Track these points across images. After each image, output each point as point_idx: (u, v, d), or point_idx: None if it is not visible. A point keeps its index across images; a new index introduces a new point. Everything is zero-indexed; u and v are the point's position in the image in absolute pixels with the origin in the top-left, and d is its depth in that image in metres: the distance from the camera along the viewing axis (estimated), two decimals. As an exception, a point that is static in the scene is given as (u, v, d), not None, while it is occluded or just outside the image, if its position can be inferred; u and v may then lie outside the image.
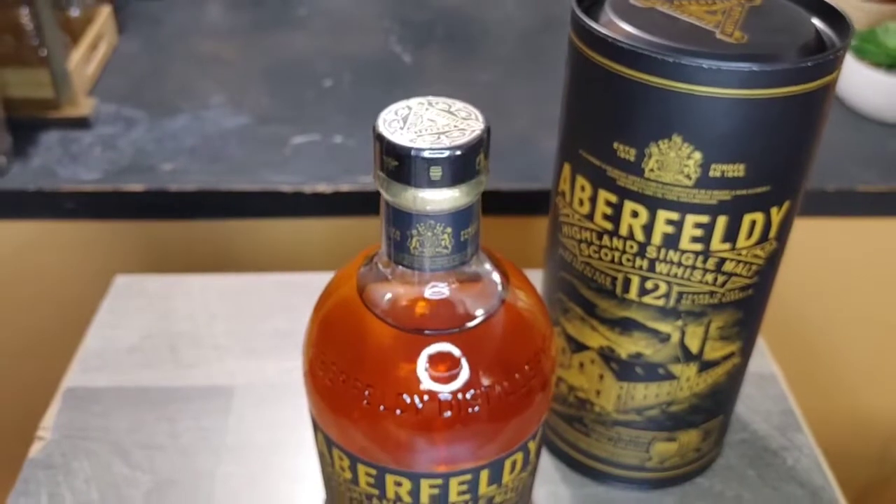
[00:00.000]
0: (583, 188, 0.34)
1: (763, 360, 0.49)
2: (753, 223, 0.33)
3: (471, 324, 0.29)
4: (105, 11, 0.95)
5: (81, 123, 0.82)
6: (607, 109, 0.32)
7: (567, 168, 0.35)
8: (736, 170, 0.31)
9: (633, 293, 0.35)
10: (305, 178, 0.76)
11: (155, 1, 1.08)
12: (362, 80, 0.92)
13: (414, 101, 0.27)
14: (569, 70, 0.34)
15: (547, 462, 0.43)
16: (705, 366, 0.37)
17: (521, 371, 0.30)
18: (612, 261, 0.35)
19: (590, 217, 0.35)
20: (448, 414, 0.28)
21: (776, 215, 0.33)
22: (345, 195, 0.75)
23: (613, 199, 0.33)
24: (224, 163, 0.78)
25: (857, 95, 0.90)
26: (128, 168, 0.77)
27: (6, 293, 0.80)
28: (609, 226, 0.34)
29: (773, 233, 0.34)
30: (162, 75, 0.92)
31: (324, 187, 0.75)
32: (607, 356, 0.37)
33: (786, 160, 0.32)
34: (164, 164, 0.78)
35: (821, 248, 0.84)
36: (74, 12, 0.90)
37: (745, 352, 0.38)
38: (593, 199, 0.34)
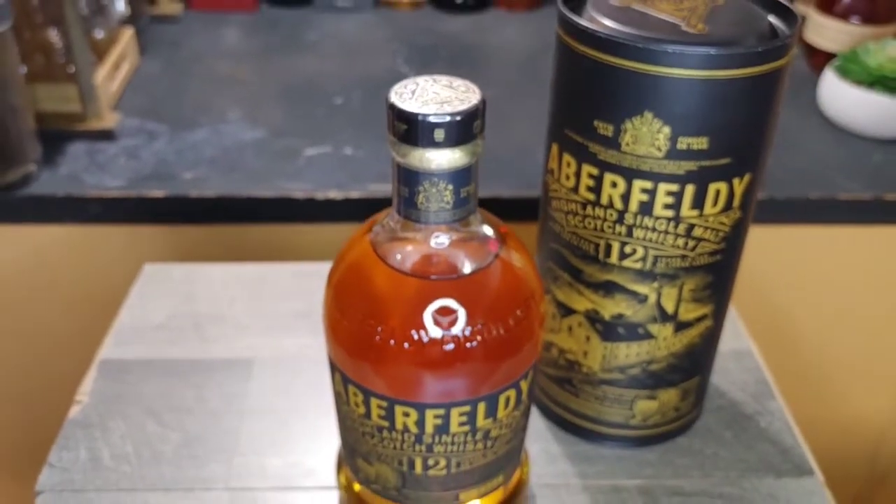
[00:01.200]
0: (568, 164, 0.39)
1: (740, 337, 0.54)
2: (718, 192, 0.37)
3: (468, 271, 0.34)
4: (128, 34, 1.01)
5: (106, 135, 0.87)
6: (588, 92, 0.37)
7: (555, 148, 0.40)
8: (700, 142, 0.36)
9: (614, 257, 0.40)
10: (317, 185, 0.81)
11: (174, 25, 1.14)
12: (371, 97, 0.97)
13: (420, 79, 0.32)
14: (556, 62, 0.39)
15: (540, 423, 0.47)
16: (680, 326, 0.41)
17: (513, 316, 0.34)
18: (595, 228, 0.39)
19: (575, 190, 0.39)
20: (449, 347, 0.33)
21: (738, 186, 0.38)
22: (354, 201, 0.80)
23: (595, 171, 0.38)
24: (241, 172, 0.83)
25: (841, 111, 0.95)
26: (150, 176, 0.82)
27: (36, 291, 0.85)
28: (592, 196, 0.39)
29: (736, 202, 0.38)
30: (181, 93, 0.98)
31: (335, 194, 0.80)
32: (593, 318, 0.42)
33: (744, 135, 0.36)
34: (185, 172, 0.83)
35: (805, 254, 0.88)
36: (99, 34, 0.96)
37: (717, 316, 0.43)
38: (578, 174, 0.39)
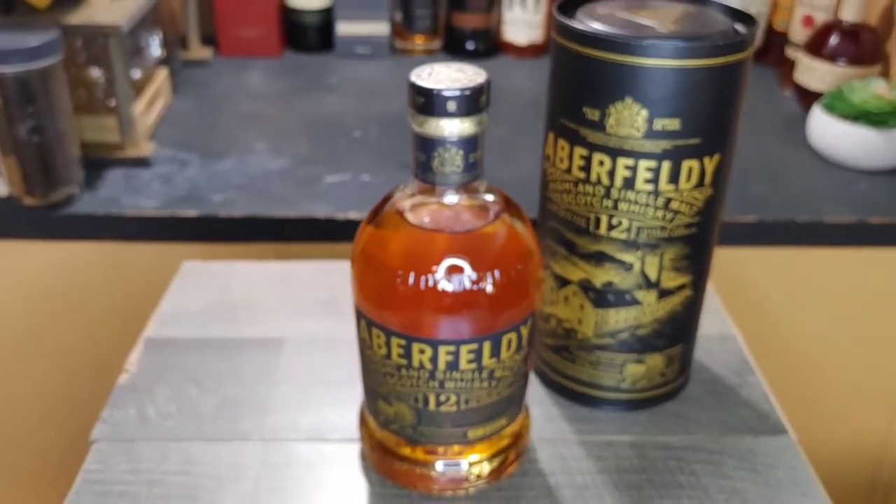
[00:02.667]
0: (562, 148, 0.45)
1: (724, 324, 0.59)
2: (691, 169, 0.43)
3: (475, 227, 0.40)
4: (162, 73, 1.09)
5: (142, 163, 0.94)
6: (578, 83, 0.43)
7: (551, 136, 0.46)
8: (673, 123, 0.42)
9: (602, 229, 0.45)
10: (338, 207, 0.88)
11: (204, 69, 1.22)
12: (387, 132, 1.04)
13: (436, 65, 0.39)
14: (552, 62, 0.46)
15: (540, 391, 0.52)
16: (663, 293, 0.47)
17: (513, 268, 0.40)
18: (586, 204, 0.45)
19: (568, 170, 0.45)
20: (461, 289, 0.38)
21: (709, 164, 0.44)
22: (372, 220, 0.86)
23: (585, 152, 0.44)
24: (267, 196, 0.90)
25: (828, 144, 1.02)
26: (183, 198, 0.89)
27: (75, 303, 0.91)
28: (582, 175, 0.45)
29: (707, 179, 0.44)
30: (211, 128, 1.06)
31: (354, 214, 0.86)
32: (586, 287, 0.47)
33: (712, 118, 0.43)
34: (215, 195, 0.89)
35: (794, 274, 0.94)
36: (136, 74, 1.04)
37: (696, 287, 0.48)
38: (570, 156, 0.45)
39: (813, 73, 1.13)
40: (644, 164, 0.43)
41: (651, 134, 0.42)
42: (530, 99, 1.15)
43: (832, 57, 1.10)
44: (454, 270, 0.39)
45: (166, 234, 0.88)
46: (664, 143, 0.43)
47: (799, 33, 1.20)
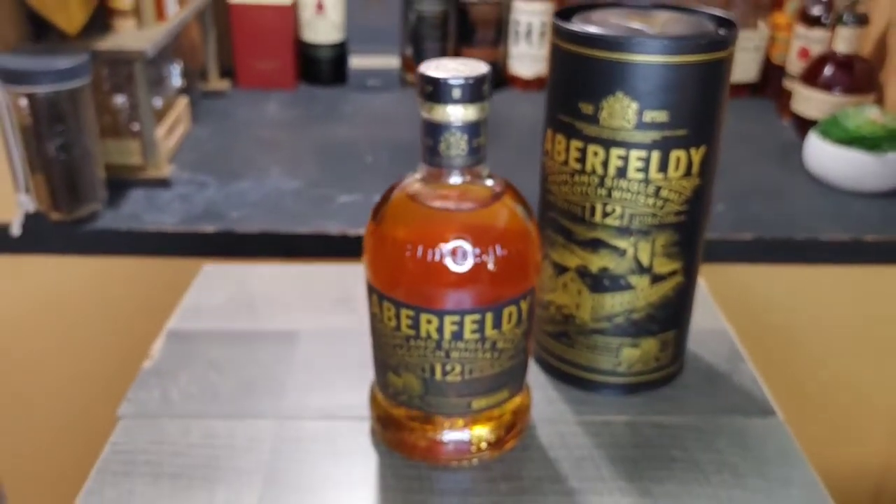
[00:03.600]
0: (560, 142, 0.49)
1: (717, 320, 0.62)
2: (678, 159, 0.47)
3: (479, 206, 0.43)
4: (182, 102, 1.14)
5: (163, 183, 0.99)
6: (574, 80, 0.47)
7: (549, 132, 0.50)
8: (661, 116, 0.46)
9: (598, 217, 0.49)
10: (350, 224, 0.91)
11: (222, 100, 1.27)
12: (398, 157, 1.08)
13: (442, 60, 0.43)
14: (551, 63, 0.49)
15: (541, 377, 0.55)
16: (656, 279, 0.50)
17: (513, 246, 0.43)
18: (582, 193, 0.49)
19: (565, 163, 0.49)
20: (465, 261, 0.42)
21: (695, 155, 0.47)
22: (382, 235, 0.90)
23: (580, 144, 0.48)
24: (282, 213, 0.94)
25: (824, 167, 1.05)
26: (201, 215, 0.93)
27: (99, 313, 0.94)
28: (578, 166, 0.48)
29: (695, 169, 0.48)
30: (229, 153, 1.10)
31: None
32: (583, 273, 0.51)
33: (697, 111, 0.46)
34: (232, 212, 0.93)
35: (793, 291, 0.97)
36: (157, 102, 1.09)
37: (687, 274, 0.51)
38: (567, 149, 0.49)
39: (809, 102, 1.17)
40: (635, 153, 0.47)
41: (641, 126, 0.46)
42: (534, 126, 1.19)
43: (827, 86, 1.15)
44: (459, 245, 0.42)
45: (185, 248, 0.91)
46: (653, 134, 0.46)
47: (795, 65, 1.24)
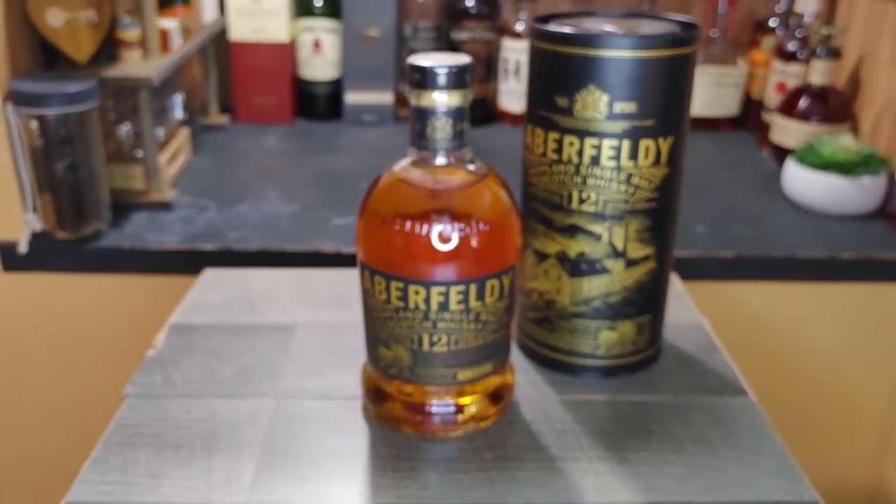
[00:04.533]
0: (538, 135, 0.53)
1: (692, 314, 0.65)
2: (647, 148, 0.51)
3: (463, 186, 0.47)
4: (184, 133, 1.18)
5: (165, 206, 1.02)
6: (550, 76, 0.51)
7: (529, 127, 0.54)
8: (630, 107, 0.50)
9: (574, 203, 0.52)
10: (345, 244, 0.95)
11: (221, 133, 1.32)
12: (391, 183, 1.12)
13: (428, 53, 0.47)
14: (530, 63, 0.54)
15: (524, 362, 0.58)
16: (630, 263, 0.54)
17: (495, 223, 0.47)
18: (560, 182, 0.52)
19: (544, 154, 0.53)
20: (450, 236, 0.45)
21: (664, 144, 0.51)
22: (376, 253, 0.93)
23: (557, 136, 0.52)
24: (279, 233, 0.97)
25: (801, 192, 1.09)
26: (201, 235, 0.96)
27: (102, 331, 0.97)
28: (555, 156, 0.52)
29: (663, 159, 0.52)
30: (228, 180, 1.14)
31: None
32: (562, 258, 0.54)
33: (663, 102, 0.50)
34: (231, 233, 0.97)
35: (773, 308, 1.00)
36: (160, 132, 1.13)
37: (660, 259, 0.55)
38: (545, 141, 0.52)
39: (787, 131, 1.22)
40: (607, 143, 0.50)
41: (612, 116, 0.50)
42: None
43: (804, 117, 1.19)
44: (444, 221, 0.46)
45: (186, 266, 0.95)
46: (623, 123, 0.50)
47: (773, 99, 1.30)
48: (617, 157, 0.51)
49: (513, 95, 1.36)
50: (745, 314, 1.00)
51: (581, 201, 0.52)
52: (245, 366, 0.57)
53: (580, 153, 0.51)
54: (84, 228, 0.94)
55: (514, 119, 1.38)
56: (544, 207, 0.54)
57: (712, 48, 1.37)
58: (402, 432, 0.51)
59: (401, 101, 1.37)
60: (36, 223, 0.93)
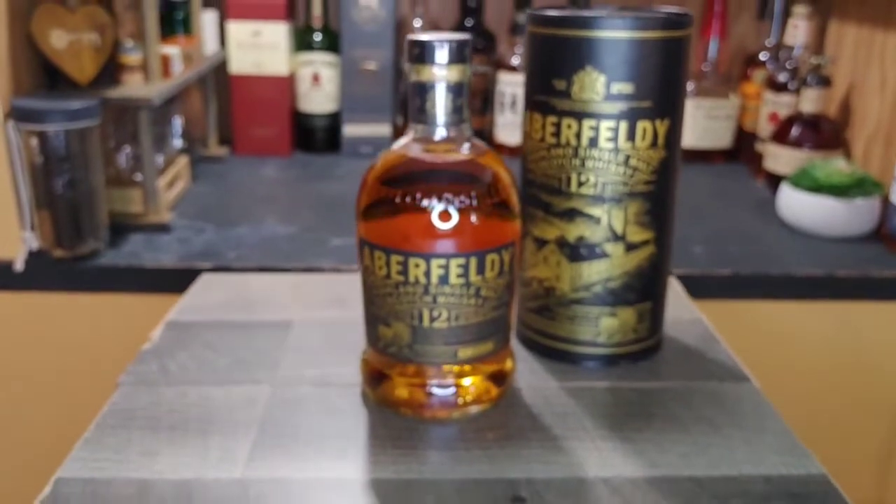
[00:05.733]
0: (537, 120, 0.53)
1: (692, 311, 0.65)
2: (644, 129, 0.51)
3: (462, 159, 0.47)
4: (183, 160, 1.19)
5: (163, 228, 1.02)
6: (548, 60, 0.52)
7: (528, 113, 0.54)
8: (627, 87, 0.50)
9: (573, 186, 0.53)
10: (342, 262, 0.95)
11: (220, 164, 1.33)
12: (388, 208, 1.13)
13: (427, 32, 0.48)
14: (527, 51, 0.54)
15: (525, 354, 0.58)
16: (629, 247, 0.54)
17: (494, 196, 0.47)
18: (559, 165, 0.53)
19: (542, 139, 0.53)
20: (450, 208, 0.45)
21: (660, 127, 0.52)
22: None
23: (555, 119, 0.52)
24: (277, 253, 0.97)
25: (796, 215, 1.10)
26: (199, 254, 0.96)
27: (99, 350, 0.96)
28: (554, 140, 0.53)
29: (660, 141, 0.52)
30: (226, 205, 1.14)
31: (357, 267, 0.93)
32: (561, 243, 0.54)
33: (659, 84, 0.51)
34: (229, 252, 0.97)
35: (769, 327, 0.99)
36: (159, 159, 1.14)
37: (659, 245, 0.55)
38: (543, 126, 0.53)
39: (779, 159, 1.23)
40: (605, 124, 0.51)
41: (609, 97, 0.51)
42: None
43: (797, 144, 1.21)
44: (444, 192, 0.46)
45: (183, 284, 0.94)
46: (620, 104, 0.51)
47: (766, 129, 1.31)
48: (615, 139, 0.51)
49: (509, 128, 1.38)
50: (742, 333, 0.99)
51: (580, 184, 0.53)
52: (241, 357, 0.57)
53: (578, 135, 0.52)
54: (81, 247, 0.93)
55: (510, 151, 1.39)
56: (543, 192, 0.54)
57: (704, 82, 1.39)
58: (401, 414, 0.50)
59: (399, 133, 1.39)
60: (33, 241, 0.93)
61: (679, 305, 0.66)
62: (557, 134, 0.52)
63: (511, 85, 1.36)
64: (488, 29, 1.38)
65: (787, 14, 1.33)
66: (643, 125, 0.51)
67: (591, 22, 0.50)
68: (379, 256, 0.47)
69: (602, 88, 0.50)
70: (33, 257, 0.93)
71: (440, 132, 0.47)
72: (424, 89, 0.46)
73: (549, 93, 0.52)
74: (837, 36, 1.30)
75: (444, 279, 0.47)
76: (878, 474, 1.05)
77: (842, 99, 1.27)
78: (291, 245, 1.00)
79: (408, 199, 0.46)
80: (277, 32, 1.31)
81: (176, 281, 0.94)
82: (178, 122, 1.20)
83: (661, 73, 0.51)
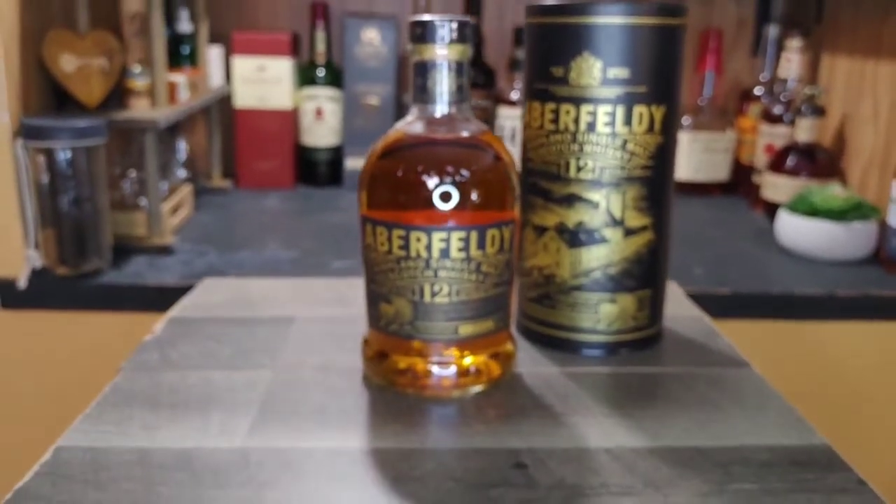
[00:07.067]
0: (535, 108, 0.55)
1: (693, 310, 0.65)
2: (641, 114, 0.52)
3: (463, 136, 0.48)
4: (186, 189, 1.20)
5: (166, 250, 1.03)
6: (545, 48, 0.53)
7: (527, 103, 0.56)
8: (623, 72, 0.52)
9: (572, 172, 0.54)
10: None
11: (223, 196, 1.34)
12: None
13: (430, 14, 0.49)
14: (526, 41, 0.56)
15: (525, 343, 0.58)
16: (628, 232, 0.54)
17: (494, 171, 0.48)
18: (557, 151, 0.54)
19: (541, 126, 0.54)
20: (451, 182, 0.46)
21: (657, 112, 0.53)
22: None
23: (553, 106, 0.53)
24: (280, 274, 0.98)
25: (794, 240, 1.11)
26: (201, 275, 0.96)
27: (102, 368, 0.96)
28: (553, 126, 0.54)
29: (657, 127, 0.53)
30: (229, 232, 1.15)
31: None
32: (561, 230, 0.55)
33: (655, 69, 0.52)
34: (231, 272, 0.97)
35: (771, 347, 0.99)
36: (164, 186, 1.16)
37: (657, 230, 0.55)
38: (542, 113, 0.54)
39: (777, 188, 1.24)
40: (602, 108, 0.52)
41: (606, 82, 0.52)
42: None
43: (793, 172, 1.22)
44: (446, 167, 0.47)
45: (184, 302, 0.94)
46: (617, 89, 0.52)
47: (762, 161, 1.33)
48: (612, 123, 0.52)
49: (509, 161, 1.39)
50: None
51: (578, 169, 0.53)
52: (244, 347, 0.57)
53: (576, 121, 0.53)
54: (85, 265, 0.94)
55: (510, 184, 1.40)
56: (543, 179, 0.55)
57: (701, 116, 1.41)
58: (402, 392, 0.50)
59: (399, 166, 1.40)
60: (37, 259, 0.94)
61: (679, 304, 0.66)
62: (556, 120, 0.53)
63: (510, 118, 1.38)
64: (488, 65, 1.41)
65: (780, 48, 1.36)
66: (639, 110, 0.52)
67: (587, 8, 0.51)
68: (381, 232, 0.48)
69: (599, 73, 0.52)
70: (36, 275, 0.94)
71: (441, 109, 0.48)
72: (426, 68, 0.48)
73: (547, 80, 0.53)
74: (830, 68, 1.33)
75: (445, 252, 0.47)
76: None
77: (836, 129, 1.29)
78: (293, 268, 1.01)
79: (409, 174, 0.47)
80: (282, 68, 1.33)
81: (178, 299, 0.94)
82: (182, 151, 1.22)
83: (656, 59, 0.52)
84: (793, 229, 1.11)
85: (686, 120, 1.40)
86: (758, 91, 1.41)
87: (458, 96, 0.48)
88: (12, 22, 0.91)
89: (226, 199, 1.33)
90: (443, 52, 0.47)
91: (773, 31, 1.40)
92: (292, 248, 1.08)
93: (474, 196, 0.47)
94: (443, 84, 0.48)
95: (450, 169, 0.47)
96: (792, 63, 1.31)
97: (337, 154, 1.41)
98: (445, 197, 0.46)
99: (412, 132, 0.48)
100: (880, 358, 1.01)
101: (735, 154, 1.43)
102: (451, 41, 0.47)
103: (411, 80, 0.49)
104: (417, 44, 0.47)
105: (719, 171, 1.43)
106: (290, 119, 1.37)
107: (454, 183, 0.46)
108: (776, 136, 1.31)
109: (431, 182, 0.46)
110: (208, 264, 1.00)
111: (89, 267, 0.94)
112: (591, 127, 0.53)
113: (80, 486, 0.40)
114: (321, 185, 1.41)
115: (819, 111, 1.21)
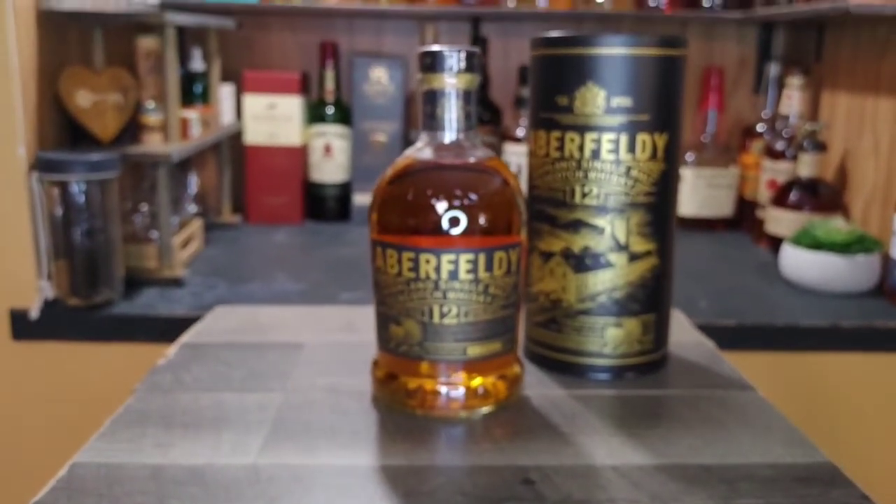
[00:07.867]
0: (541, 137, 0.56)
1: (697, 336, 0.66)
2: (644, 142, 0.54)
3: (471, 161, 0.50)
4: (197, 223, 1.22)
5: (176, 283, 1.05)
6: (551, 78, 0.55)
7: (532, 132, 0.57)
8: (626, 101, 0.53)
9: (577, 198, 0.55)
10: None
11: (233, 231, 1.36)
12: (397, 268, 1.15)
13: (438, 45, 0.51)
14: (531, 73, 0.58)
15: (532, 368, 0.58)
16: (633, 257, 0.55)
17: (501, 195, 0.49)
18: (563, 178, 0.55)
19: (546, 154, 0.56)
20: (460, 205, 0.47)
21: (659, 139, 0.54)
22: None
23: (559, 134, 0.55)
24: (289, 305, 0.99)
25: (798, 272, 1.12)
26: (211, 306, 0.97)
27: (116, 396, 0.96)
28: (558, 154, 0.55)
29: (660, 154, 0.55)
30: (238, 266, 1.17)
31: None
32: (567, 255, 0.56)
33: (657, 98, 0.54)
34: (240, 304, 0.98)
35: (778, 379, 1.00)
36: (174, 220, 1.17)
37: (662, 256, 0.56)
38: (548, 142, 0.56)
39: (780, 222, 1.26)
40: (606, 136, 0.54)
41: (609, 110, 0.53)
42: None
43: (796, 207, 1.24)
44: (453, 190, 0.48)
45: (194, 333, 0.95)
46: (620, 117, 0.53)
47: (765, 196, 1.35)
48: (616, 151, 0.54)
49: (514, 197, 1.41)
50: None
51: (584, 195, 0.55)
52: (255, 371, 0.58)
53: (581, 148, 0.54)
54: (96, 296, 0.95)
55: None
56: (548, 206, 0.56)
57: (704, 152, 1.43)
58: (411, 413, 0.51)
59: (406, 201, 1.42)
60: (49, 290, 0.95)
61: (683, 331, 0.67)
62: (561, 148, 0.55)
63: (516, 155, 1.40)
64: (494, 102, 1.43)
65: (781, 86, 1.38)
66: (643, 137, 0.54)
67: (591, 40, 0.53)
68: (391, 254, 0.49)
69: (602, 102, 0.53)
70: (48, 306, 0.95)
71: (450, 136, 0.50)
72: (435, 97, 0.49)
73: (552, 109, 0.55)
74: (830, 105, 1.35)
75: (454, 274, 0.48)
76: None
77: (837, 164, 1.30)
78: (302, 299, 1.02)
79: (419, 198, 0.48)
80: (291, 105, 1.36)
81: (185, 329, 0.95)
82: (193, 186, 1.24)
83: (658, 88, 0.54)
84: (797, 263, 1.12)
85: (690, 156, 1.42)
86: (760, 128, 1.43)
87: (466, 123, 0.50)
88: (30, 59, 0.93)
89: (235, 233, 1.35)
90: (451, 81, 0.49)
91: (774, 69, 1.43)
92: (301, 281, 1.09)
93: (482, 219, 0.48)
94: (451, 112, 0.49)
95: (458, 193, 0.48)
96: (793, 100, 1.33)
97: (345, 190, 1.43)
98: (454, 221, 0.48)
99: (421, 158, 0.50)
100: (884, 389, 1.01)
101: (738, 190, 1.45)
102: (460, 70, 0.49)
103: (420, 109, 0.50)
104: (427, 73, 0.49)
105: (723, 206, 1.44)
106: (299, 155, 1.39)
107: (462, 206, 0.48)
108: (779, 171, 1.33)
109: (440, 206, 0.48)
110: (218, 296, 1.01)
111: (101, 298, 0.96)
112: (596, 154, 0.54)
113: (95, 499, 0.41)
114: (329, 220, 1.43)
115: (820, 147, 1.22)
